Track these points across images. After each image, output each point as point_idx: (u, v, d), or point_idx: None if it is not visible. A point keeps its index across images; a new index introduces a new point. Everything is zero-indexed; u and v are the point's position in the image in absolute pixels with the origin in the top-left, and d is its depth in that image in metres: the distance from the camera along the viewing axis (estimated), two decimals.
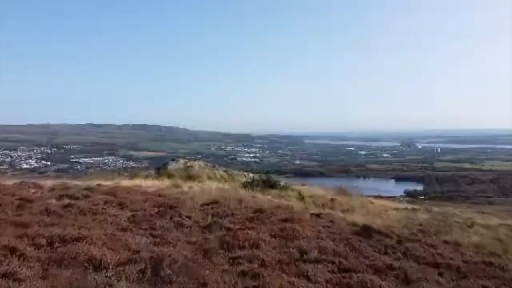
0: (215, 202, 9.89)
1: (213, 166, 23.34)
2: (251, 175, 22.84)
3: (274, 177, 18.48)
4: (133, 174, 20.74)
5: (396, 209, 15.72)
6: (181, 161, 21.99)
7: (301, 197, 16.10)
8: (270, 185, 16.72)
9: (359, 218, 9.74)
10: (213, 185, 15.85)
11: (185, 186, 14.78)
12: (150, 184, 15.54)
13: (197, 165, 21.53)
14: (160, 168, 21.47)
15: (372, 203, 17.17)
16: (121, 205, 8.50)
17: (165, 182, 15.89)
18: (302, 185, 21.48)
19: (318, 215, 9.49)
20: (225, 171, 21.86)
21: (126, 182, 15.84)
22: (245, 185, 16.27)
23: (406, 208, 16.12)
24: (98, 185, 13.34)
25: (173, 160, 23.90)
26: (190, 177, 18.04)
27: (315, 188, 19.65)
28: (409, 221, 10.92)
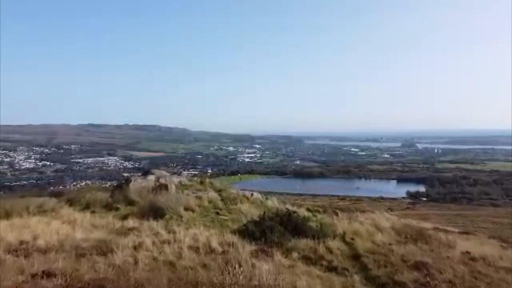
0: None
1: (201, 182, 15.32)
2: (255, 194, 14.78)
3: (299, 210, 10.39)
4: (77, 198, 12.73)
5: None
6: (152, 176, 13.97)
7: (356, 256, 8.16)
8: (293, 227, 8.78)
9: None
10: (190, 233, 7.98)
11: (129, 241, 6.90)
12: (67, 231, 7.67)
13: (175, 184, 13.58)
14: (119, 187, 13.52)
15: (472, 258, 9.26)
16: None
17: (98, 230, 7.94)
18: (335, 213, 13.44)
19: None
20: (219, 192, 13.83)
21: (23, 225, 7.93)
22: (251, 232, 8.33)
23: None
24: None
25: (145, 173, 15.85)
26: (156, 210, 10.04)
27: (361, 224, 11.66)
28: None
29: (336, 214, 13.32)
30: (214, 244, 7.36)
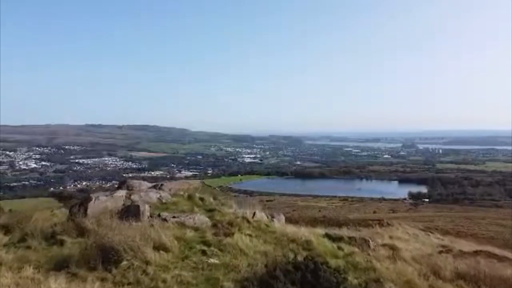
0: None
1: (188, 197, 11.72)
2: (258, 214, 11.12)
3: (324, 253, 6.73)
4: (18, 222, 9.16)
5: None
6: (123, 192, 10.33)
7: None
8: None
9: None
10: None
11: None
12: None
13: (153, 202, 9.98)
14: (77, 206, 9.94)
15: None
16: None
17: None
18: (365, 241, 9.81)
19: None
20: (211, 213, 10.22)
21: None
22: None
23: None
24: None
25: (120, 184, 12.26)
26: (109, 254, 6.43)
27: (406, 261, 8.08)
28: None
29: (368, 244, 9.71)
30: None
